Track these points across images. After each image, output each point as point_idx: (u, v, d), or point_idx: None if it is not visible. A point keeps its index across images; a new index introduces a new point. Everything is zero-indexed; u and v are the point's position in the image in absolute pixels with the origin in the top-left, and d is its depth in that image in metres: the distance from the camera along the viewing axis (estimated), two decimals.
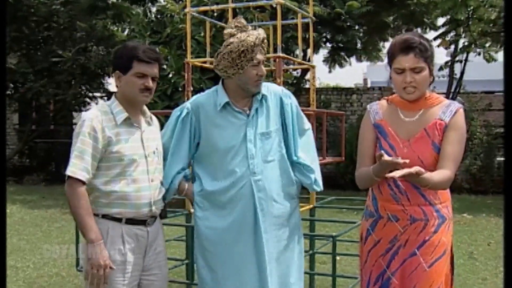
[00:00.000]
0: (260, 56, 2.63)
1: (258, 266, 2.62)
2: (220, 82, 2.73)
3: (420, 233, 2.41)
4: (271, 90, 2.77)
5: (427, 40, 2.45)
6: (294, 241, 2.74)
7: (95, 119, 2.49)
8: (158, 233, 2.67)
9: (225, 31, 2.65)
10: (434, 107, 2.44)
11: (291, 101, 2.78)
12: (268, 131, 2.69)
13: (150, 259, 2.61)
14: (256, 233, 2.63)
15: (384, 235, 2.48)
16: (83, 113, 2.59)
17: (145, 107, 2.68)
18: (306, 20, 4.75)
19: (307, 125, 2.85)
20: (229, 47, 2.59)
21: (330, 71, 13.74)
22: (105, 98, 14.11)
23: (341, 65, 13.63)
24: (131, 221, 2.53)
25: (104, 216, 2.51)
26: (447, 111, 2.42)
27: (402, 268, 2.43)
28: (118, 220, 2.51)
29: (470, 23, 10.69)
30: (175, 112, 2.75)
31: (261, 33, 2.64)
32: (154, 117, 2.78)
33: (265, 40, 2.67)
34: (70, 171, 2.43)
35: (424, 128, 2.41)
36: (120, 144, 2.50)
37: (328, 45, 13.30)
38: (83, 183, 2.45)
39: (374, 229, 2.53)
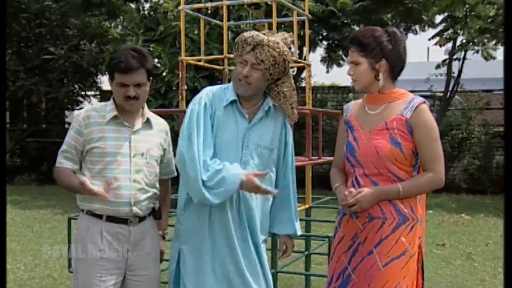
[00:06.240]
0: (248, 57, 2.50)
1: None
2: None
3: (377, 231, 2.42)
4: (279, 108, 2.66)
5: (380, 36, 2.42)
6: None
7: (84, 113, 2.60)
8: (147, 233, 2.64)
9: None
10: (397, 101, 2.46)
11: (290, 132, 2.73)
12: (266, 145, 2.61)
13: (136, 259, 2.59)
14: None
15: (347, 232, 2.51)
16: None
17: (146, 110, 2.67)
18: (301, 18, 4.73)
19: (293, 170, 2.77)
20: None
21: (327, 71, 13.64)
22: (98, 96, 13.99)
23: (338, 64, 13.51)
24: (111, 219, 2.55)
25: (87, 213, 2.58)
26: (408, 106, 2.43)
27: (360, 266, 2.44)
28: (99, 216, 2.55)
29: (468, 20, 10.60)
30: (194, 103, 2.58)
31: (266, 36, 2.50)
32: (160, 122, 2.73)
33: (265, 45, 2.48)
34: (58, 162, 2.60)
35: (385, 121, 2.44)
36: (103, 141, 2.55)
37: (324, 43, 13.20)
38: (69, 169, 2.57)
39: (340, 225, 2.56)
